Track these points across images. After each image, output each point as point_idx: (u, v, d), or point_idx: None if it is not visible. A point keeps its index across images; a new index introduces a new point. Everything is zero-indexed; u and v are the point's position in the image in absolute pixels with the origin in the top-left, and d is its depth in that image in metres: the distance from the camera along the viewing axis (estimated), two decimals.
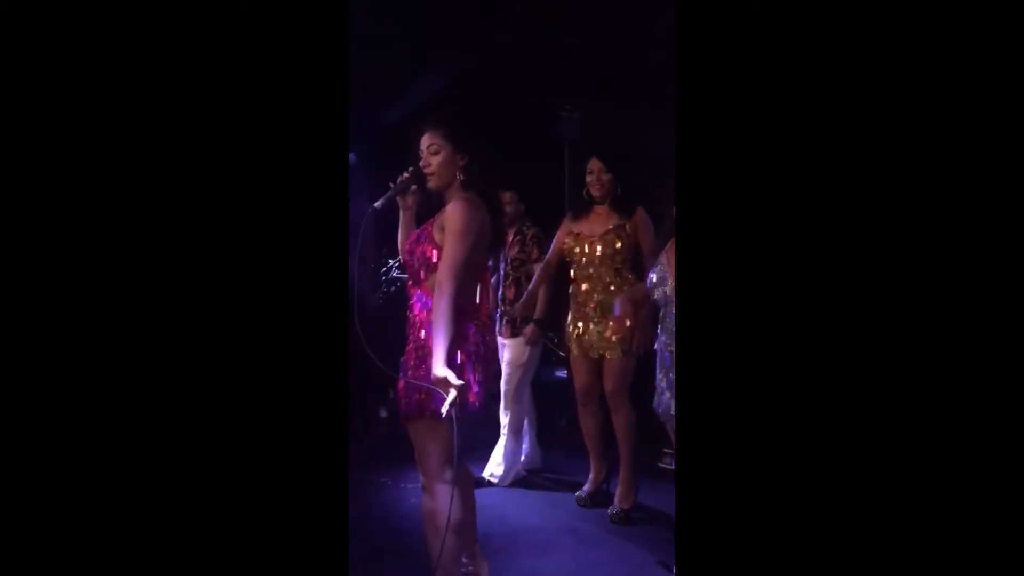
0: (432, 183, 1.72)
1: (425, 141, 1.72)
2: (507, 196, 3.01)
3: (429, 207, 1.77)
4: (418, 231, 1.73)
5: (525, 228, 3.01)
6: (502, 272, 3.05)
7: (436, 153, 1.70)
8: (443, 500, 1.60)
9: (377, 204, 1.71)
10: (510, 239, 3.04)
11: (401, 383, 1.67)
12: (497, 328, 3.07)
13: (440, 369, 1.49)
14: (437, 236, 1.65)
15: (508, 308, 2.99)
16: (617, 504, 2.59)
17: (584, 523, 2.54)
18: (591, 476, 2.80)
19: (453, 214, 1.63)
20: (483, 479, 2.99)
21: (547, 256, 2.77)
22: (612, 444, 2.70)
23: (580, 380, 2.71)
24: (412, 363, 1.65)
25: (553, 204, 3.58)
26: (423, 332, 1.64)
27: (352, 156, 1.67)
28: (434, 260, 1.64)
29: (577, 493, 2.78)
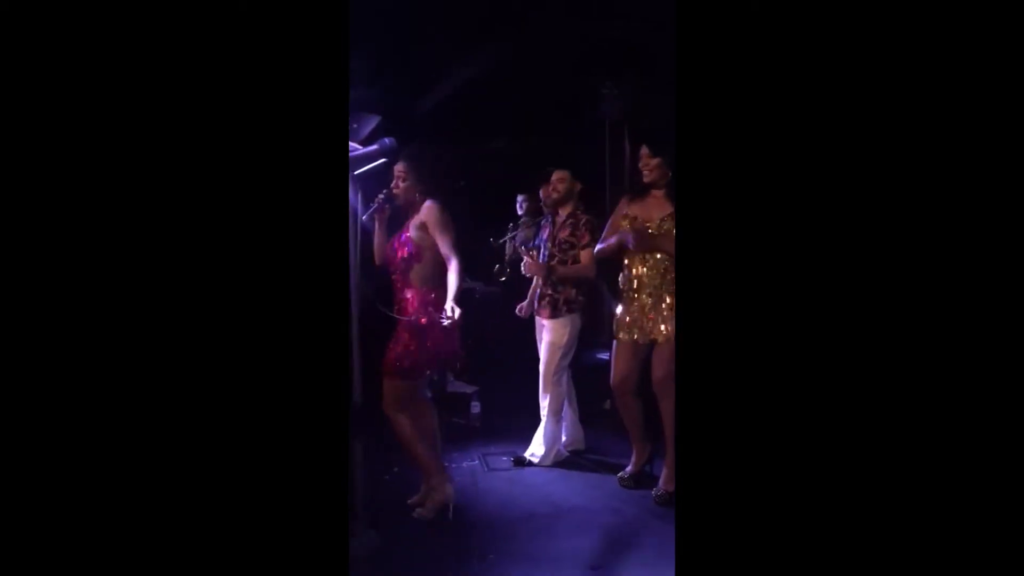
0: (399, 201, 2.32)
1: (398, 169, 2.28)
2: (559, 175, 2.98)
3: (397, 218, 2.37)
4: (396, 239, 2.28)
5: (579, 212, 2.96)
6: (545, 253, 3.03)
7: (404, 180, 2.29)
8: (404, 426, 2.29)
9: (364, 217, 2.23)
10: (561, 220, 3.01)
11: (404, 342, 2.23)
12: (536, 308, 3.05)
13: (453, 303, 2.11)
14: (414, 235, 2.24)
15: (549, 291, 2.97)
16: (662, 486, 2.56)
17: (627, 504, 2.52)
18: (633, 458, 2.77)
19: (430, 213, 2.23)
20: (524, 459, 3.01)
21: (602, 239, 2.69)
22: (654, 427, 2.67)
23: (622, 366, 2.64)
24: (405, 337, 2.23)
25: (594, 184, 3.54)
26: (412, 314, 2.23)
27: (390, 141, 1.70)
28: (416, 256, 2.23)
29: (620, 474, 2.75)
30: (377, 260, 2.41)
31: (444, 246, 2.20)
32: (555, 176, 2.99)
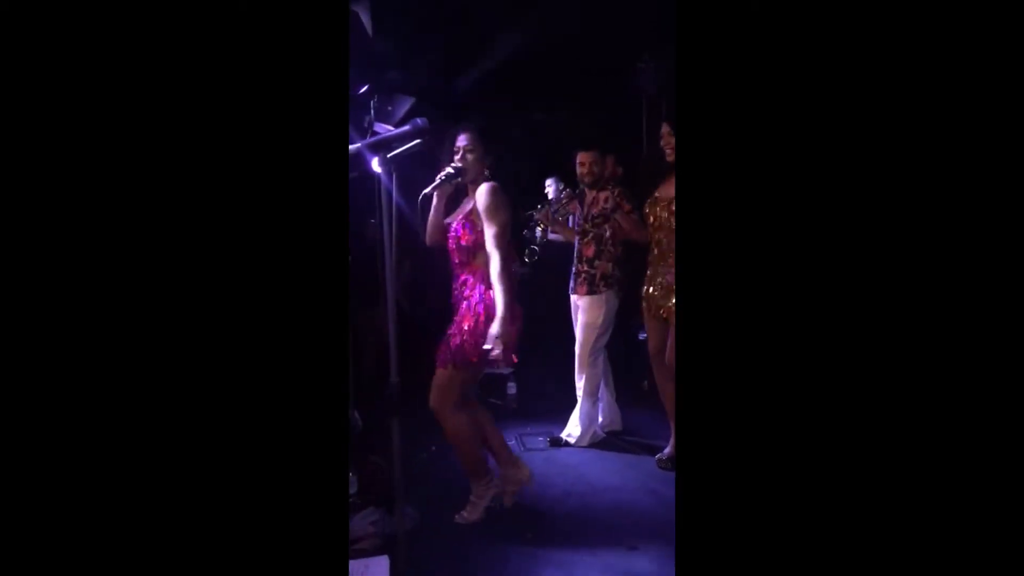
0: (466, 177, 2.11)
1: (462, 141, 2.10)
2: (585, 156, 2.94)
3: (455, 197, 2.21)
4: (458, 222, 2.10)
5: (611, 187, 2.91)
6: (579, 229, 3.00)
7: (471, 152, 2.09)
8: (458, 423, 2.12)
9: (427, 191, 2.10)
10: (590, 198, 2.97)
11: (459, 337, 2.05)
12: (571, 286, 3.03)
13: (498, 328, 1.95)
14: (477, 221, 2.04)
15: (585, 266, 2.95)
16: None
17: (664, 485, 2.50)
18: (672, 439, 2.75)
19: (484, 196, 2.02)
20: (560, 439, 3.01)
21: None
22: None
23: (653, 341, 2.68)
24: (468, 325, 2.05)
25: (631, 159, 3.47)
26: (474, 301, 2.06)
27: (422, 121, 1.69)
28: (479, 241, 2.04)
29: (657, 456, 2.74)
30: (429, 240, 2.23)
31: (488, 237, 2.00)
32: (588, 159, 2.94)
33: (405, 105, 4.04)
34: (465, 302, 2.08)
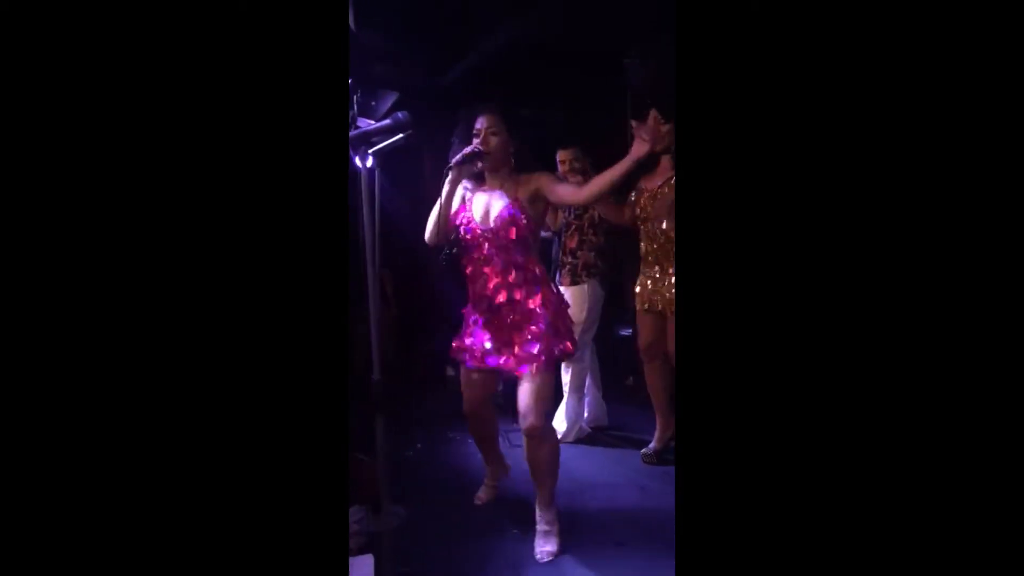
0: (488, 162, 1.89)
1: (484, 123, 1.89)
2: (565, 154, 2.94)
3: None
4: (504, 212, 1.88)
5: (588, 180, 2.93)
6: (564, 222, 3.01)
7: (495, 135, 1.88)
8: (557, 442, 2.01)
9: (453, 163, 1.87)
10: None
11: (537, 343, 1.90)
12: (557, 278, 3.03)
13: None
14: (530, 208, 1.88)
15: (568, 257, 2.96)
16: None
17: (651, 480, 2.51)
18: (657, 433, 2.76)
19: (547, 176, 1.90)
20: None
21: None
22: None
23: (645, 335, 2.68)
24: (557, 320, 1.92)
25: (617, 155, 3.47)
26: (549, 296, 1.93)
27: (403, 115, 1.67)
28: (536, 232, 1.94)
29: (643, 451, 2.74)
30: (436, 237, 1.92)
31: (575, 195, 1.87)
32: (568, 156, 2.93)
33: (389, 100, 4.01)
34: (534, 300, 1.90)
